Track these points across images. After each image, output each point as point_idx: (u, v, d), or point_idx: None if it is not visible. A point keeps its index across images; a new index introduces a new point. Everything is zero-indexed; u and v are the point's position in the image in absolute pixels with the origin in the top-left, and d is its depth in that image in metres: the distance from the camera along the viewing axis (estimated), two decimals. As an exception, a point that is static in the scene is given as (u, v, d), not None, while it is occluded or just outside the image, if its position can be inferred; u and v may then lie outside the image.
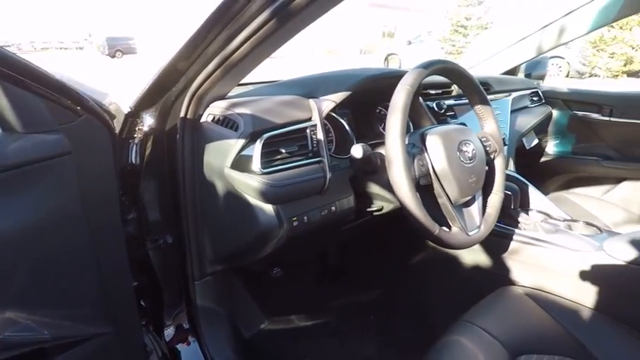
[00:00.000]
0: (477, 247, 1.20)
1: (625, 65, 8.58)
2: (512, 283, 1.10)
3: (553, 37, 1.70)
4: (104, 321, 0.76)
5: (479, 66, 1.98)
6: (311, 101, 0.92)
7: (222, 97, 0.92)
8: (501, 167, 1.00)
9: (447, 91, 1.30)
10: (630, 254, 0.86)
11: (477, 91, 0.95)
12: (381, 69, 0.98)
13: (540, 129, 1.86)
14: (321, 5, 0.61)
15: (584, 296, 0.93)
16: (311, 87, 0.96)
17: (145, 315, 1.10)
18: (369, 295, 1.48)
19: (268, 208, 0.83)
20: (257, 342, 1.30)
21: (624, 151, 1.78)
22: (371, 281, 1.48)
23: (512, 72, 1.94)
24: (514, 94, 1.61)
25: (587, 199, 1.70)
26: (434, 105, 1.24)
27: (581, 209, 1.60)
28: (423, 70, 0.81)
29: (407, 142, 0.87)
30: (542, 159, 1.98)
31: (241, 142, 0.81)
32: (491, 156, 0.99)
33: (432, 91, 1.27)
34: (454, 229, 0.86)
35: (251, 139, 0.81)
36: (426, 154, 0.82)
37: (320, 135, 0.89)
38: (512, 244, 1.10)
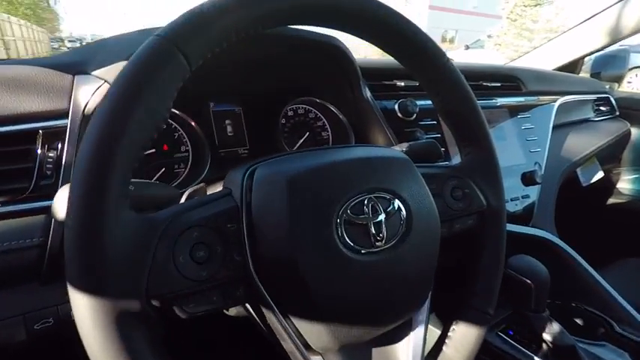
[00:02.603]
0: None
1: None
2: None
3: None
4: None
5: (522, 59, 1.39)
6: (77, 79, 0.45)
7: None
8: (497, 247, 0.46)
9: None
10: None
11: (449, 76, 0.41)
12: None
13: (610, 155, 1.21)
14: None
15: None
16: (89, 53, 0.48)
17: None
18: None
19: None
20: None
21: None
22: None
23: (572, 69, 1.32)
24: (562, 99, 1.00)
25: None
26: (395, 106, 0.70)
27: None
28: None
29: (215, 191, 0.36)
30: (611, 201, 1.32)
31: None
32: (469, 221, 0.44)
33: (400, 83, 0.73)
34: None
35: None
36: (243, 224, 0.31)
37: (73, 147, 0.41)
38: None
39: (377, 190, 0.34)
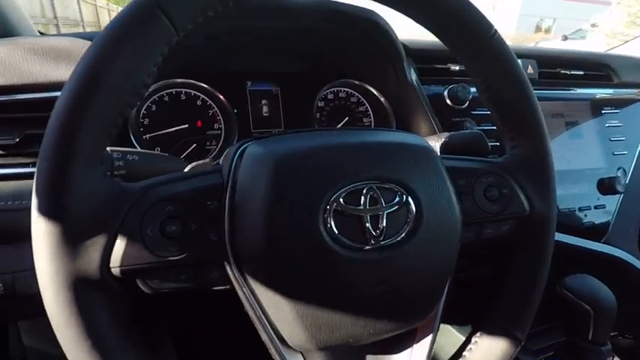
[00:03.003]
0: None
1: None
2: None
3: None
4: None
5: (627, 46, 1.19)
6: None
7: None
8: (538, 262, 0.39)
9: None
10: None
11: (488, 50, 0.35)
12: None
13: None
14: None
15: None
16: None
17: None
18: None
19: None
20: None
21: None
22: None
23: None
24: (668, 94, 0.82)
25: None
26: (445, 92, 0.62)
27: None
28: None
29: (211, 166, 0.35)
30: None
31: None
32: (504, 227, 0.38)
33: (454, 67, 0.65)
34: None
35: None
36: (225, 204, 0.29)
37: None
38: None
39: (381, 180, 0.29)
